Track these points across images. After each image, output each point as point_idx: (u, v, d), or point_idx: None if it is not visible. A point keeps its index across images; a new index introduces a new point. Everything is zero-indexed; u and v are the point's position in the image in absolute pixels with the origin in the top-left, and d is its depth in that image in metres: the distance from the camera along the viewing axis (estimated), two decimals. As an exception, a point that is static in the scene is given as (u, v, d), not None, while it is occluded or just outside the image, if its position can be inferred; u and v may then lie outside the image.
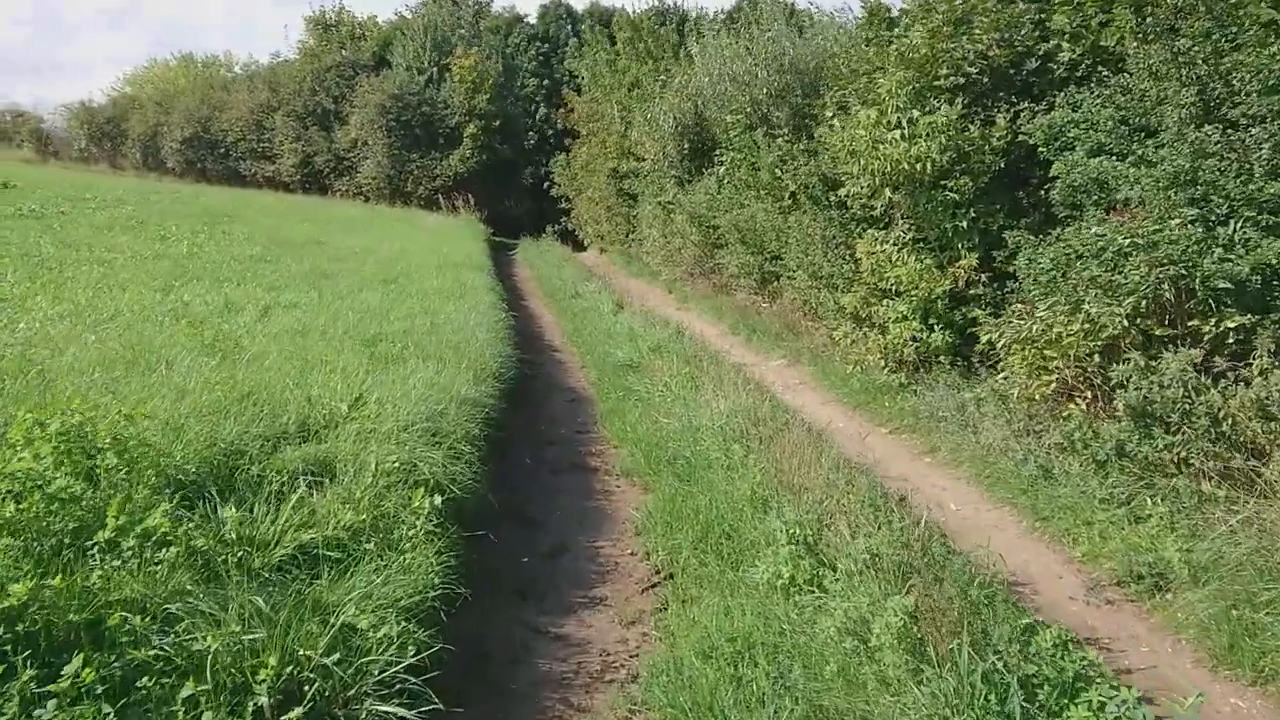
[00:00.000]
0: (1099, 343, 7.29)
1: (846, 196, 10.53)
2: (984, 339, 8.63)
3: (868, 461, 8.64)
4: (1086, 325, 7.27)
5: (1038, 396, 7.72)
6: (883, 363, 10.40)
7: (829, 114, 13.23)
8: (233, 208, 27.80)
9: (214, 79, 52.20)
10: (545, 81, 44.89)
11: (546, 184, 38.65)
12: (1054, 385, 7.66)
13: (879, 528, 5.46)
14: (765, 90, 18.67)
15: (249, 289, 11.17)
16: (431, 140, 41.45)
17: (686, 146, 22.76)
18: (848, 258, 11.49)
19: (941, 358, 10.15)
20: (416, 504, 4.95)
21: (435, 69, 42.59)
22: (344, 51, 45.71)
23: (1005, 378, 8.23)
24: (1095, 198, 9.05)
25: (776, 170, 15.05)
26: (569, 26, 47.76)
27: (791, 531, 5.60)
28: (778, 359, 14.08)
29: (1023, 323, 7.86)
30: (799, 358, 13.49)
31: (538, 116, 44.24)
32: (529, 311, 19.02)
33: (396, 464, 5.25)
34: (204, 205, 27.60)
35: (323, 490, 5.01)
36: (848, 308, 10.74)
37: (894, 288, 10.20)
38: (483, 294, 14.13)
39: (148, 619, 3.51)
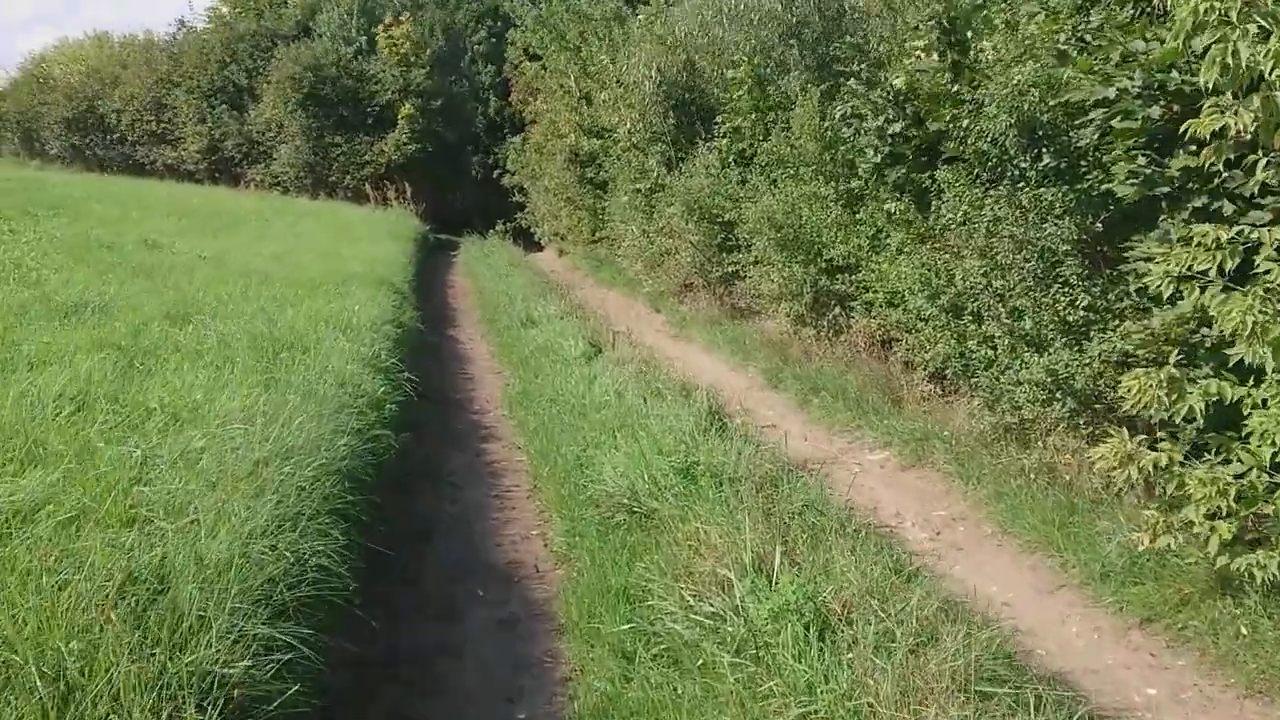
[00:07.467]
0: None
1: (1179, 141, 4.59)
2: None
3: None
4: None
5: None
6: (1215, 528, 4.48)
7: (918, 43, 8.42)
8: (85, 199, 21.20)
9: (113, 55, 44.60)
10: (501, 66, 38.31)
11: (498, 173, 32.46)
12: None
13: None
14: (777, 29, 13.47)
15: None
16: (360, 122, 35.08)
17: (673, 113, 16.93)
18: (1090, 285, 5.56)
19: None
20: None
21: (365, 39, 36.11)
22: (262, 20, 38.81)
23: None
24: None
25: (843, 131, 9.63)
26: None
27: None
28: (876, 448, 8.11)
29: None
30: (925, 449, 7.52)
31: (489, 104, 37.74)
32: (456, 351, 12.78)
33: None
34: (48, 196, 21.11)
35: None
36: (1136, 396, 4.73)
37: (1262, 359, 4.30)
38: (360, 339, 7.92)
39: None
